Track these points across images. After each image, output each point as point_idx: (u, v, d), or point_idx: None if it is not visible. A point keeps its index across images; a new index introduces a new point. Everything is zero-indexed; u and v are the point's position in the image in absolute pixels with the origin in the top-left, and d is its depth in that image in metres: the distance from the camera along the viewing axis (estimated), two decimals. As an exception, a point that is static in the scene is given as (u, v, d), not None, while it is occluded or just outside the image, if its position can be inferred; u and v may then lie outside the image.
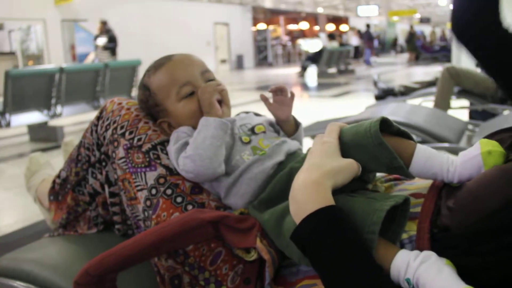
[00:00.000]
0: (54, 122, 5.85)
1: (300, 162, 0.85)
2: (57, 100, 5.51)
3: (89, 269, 0.79)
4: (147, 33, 14.43)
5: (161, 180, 0.97)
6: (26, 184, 1.47)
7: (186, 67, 1.05)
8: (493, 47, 1.19)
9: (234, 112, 1.09)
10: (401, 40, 29.10)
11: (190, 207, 0.94)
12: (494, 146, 0.72)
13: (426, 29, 27.91)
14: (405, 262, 0.62)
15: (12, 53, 13.09)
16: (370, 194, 0.77)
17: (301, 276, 0.83)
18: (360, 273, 0.61)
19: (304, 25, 27.49)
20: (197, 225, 0.81)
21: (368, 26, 19.96)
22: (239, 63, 19.72)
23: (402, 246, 0.72)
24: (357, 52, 19.78)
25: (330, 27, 27.35)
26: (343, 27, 27.78)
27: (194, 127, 1.01)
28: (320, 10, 25.27)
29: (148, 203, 0.97)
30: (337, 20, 28.34)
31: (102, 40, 9.34)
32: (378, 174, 0.92)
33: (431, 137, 2.57)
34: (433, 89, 4.24)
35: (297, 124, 1.08)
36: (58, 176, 1.23)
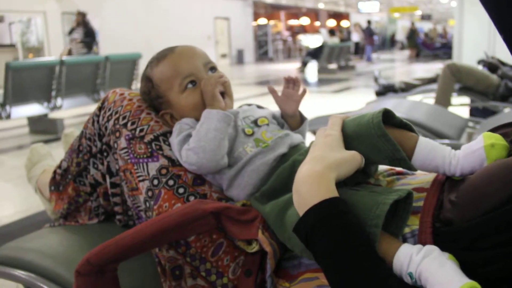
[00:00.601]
0: (54, 115, 5.86)
1: (303, 155, 0.85)
2: (57, 92, 5.51)
3: (90, 258, 0.79)
4: (148, 26, 14.39)
5: (163, 171, 0.97)
6: (27, 174, 1.47)
7: (189, 58, 1.05)
8: None
9: (234, 106, 1.09)
10: (400, 37, 28.99)
11: (192, 198, 0.94)
12: (497, 139, 0.72)
13: (427, 26, 27.83)
14: (408, 256, 0.62)
15: (12, 46, 13.05)
16: (373, 187, 0.77)
17: (303, 269, 0.83)
18: (363, 266, 0.60)
19: (305, 21, 27.42)
20: (199, 215, 0.81)
21: (369, 22, 19.91)
22: (240, 58, 19.68)
23: (405, 241, 0.71)
24: (358, 48, 19.74)
25: (331, 22, 27.29)
26: (344, 23, 27.72)
27: (197, 119, 1.01)
28: (321, 5, 25.22)
29: (149, 193, 0.97)
30: (338, 16, 28.27)
31: (78, 33, 8.23)
32: (381, 168, 0.92)
33: (431, 134, 2.57)
34: (434, 86, 4.24)
35: (302, 119, 1.07)
36: (59, 166, 1.23)
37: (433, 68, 11.16)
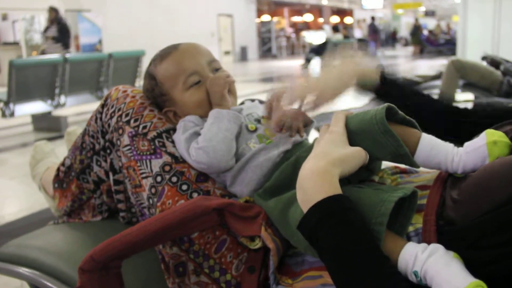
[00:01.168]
0: (57, 112, 5.86)
1: (307, 151, 0.84)
2: (60, 90, 5.51)
3: (94, 255, 0.79)
4: (151, 24, 14.39)
5: (167, 168, 0.97)
6: (31, 172, 1.47)
7: (193, 56, 1.05)
8: None
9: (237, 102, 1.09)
10: (402, 33, 28.81)
11: (195, 194, 0.94)
12: (500, 136, 0.71)
13: (431, 23, 27.71)
14: (413, 254, 0.62)
15: (16, 43, 13.06)
16: (377, 185, 0.77)
17: (306, 267, 0.83)
18: (368, 264, 0.60)
19: (308, 17, 27.37)
20: (202, 212, 0.81)
21: (373, 18, 19.85)
22: (243, 55, 19.67)
23: (409, 239, 0.71)
24: (362, 45, 19.67)
25: (335, 19, 27.23)
26: (348, 20, 27.65)
27: (201, 116, 1.01)
28: (324, 2, 25.16)
29: (153, 190, 0.97)
30: (342, 13, 28.20)
31: (52, 31, 7.58)
32: (384, 166, 0.92)
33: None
34: (437, 83, 4.22)
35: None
36: (63, 164, 1.23)
37: (437, 64, 11.10)
